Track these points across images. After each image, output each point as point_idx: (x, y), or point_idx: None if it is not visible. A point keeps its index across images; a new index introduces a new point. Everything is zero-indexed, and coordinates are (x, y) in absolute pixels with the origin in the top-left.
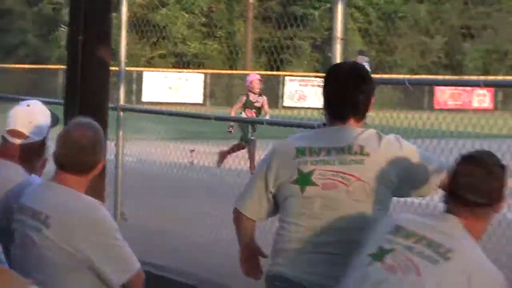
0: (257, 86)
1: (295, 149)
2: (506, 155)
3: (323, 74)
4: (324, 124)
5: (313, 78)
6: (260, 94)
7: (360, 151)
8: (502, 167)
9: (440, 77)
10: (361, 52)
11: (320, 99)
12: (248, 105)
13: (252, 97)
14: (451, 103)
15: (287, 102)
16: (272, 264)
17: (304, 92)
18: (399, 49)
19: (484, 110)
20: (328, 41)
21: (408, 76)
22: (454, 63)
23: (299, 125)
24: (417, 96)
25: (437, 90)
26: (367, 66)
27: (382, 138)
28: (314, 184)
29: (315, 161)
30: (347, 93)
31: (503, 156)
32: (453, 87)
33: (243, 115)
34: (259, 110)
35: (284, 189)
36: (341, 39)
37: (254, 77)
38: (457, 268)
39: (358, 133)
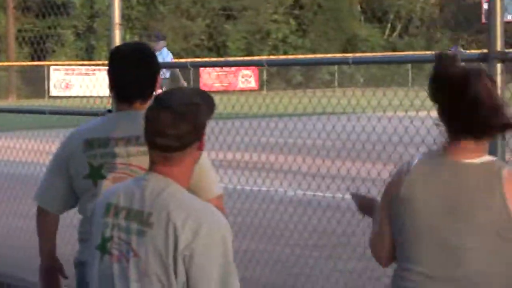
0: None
1: (83, 141)
2: (275, 131)
3: (88, 62)
4: (109, 111)
5: (78, 67)
6: (161, 87)
7: None
8: (194, 105)
9: (207, 59)
10: (162, 37)
11: (89, 87)
12: None
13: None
14: (217, 85)
15: (53, 91)
16: (78, 252)
17: (70, 81)
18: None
19: (250, 90)
20: (91, 29)
21: (190, 60)
22: (218, 45)
23: (85, 114)
24: (182, 78)
25: (203, 72)
26: (168, 51)
27: None
28: (104, 178)
29: (104, 154)
30: (131, 74)
31: (272, 133)
32: (218, 68)
33: None
34: None
35: (78, 183)
36: (120, 24)
37: None
38: (161, 227)
39: None
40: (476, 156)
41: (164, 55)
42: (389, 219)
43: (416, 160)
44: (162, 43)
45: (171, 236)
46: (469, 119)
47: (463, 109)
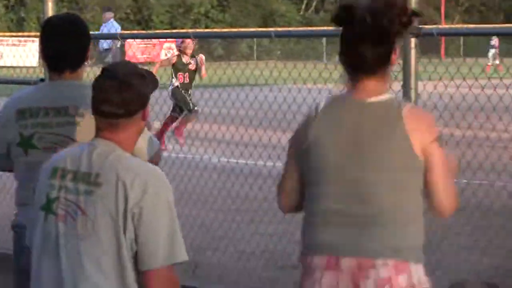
0: (189, 46)
1: (16, 111)
2: (200, 101)
3: (21, 33)
4: (42, 80)
5: (8, 38)
6: (193, 56)
7: (76, 111)
8: (139, 75)
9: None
10: (108, 8)
11: (22, 57)
12: (180, 68)
13: (185, 59)
14: (141, 57)
15: None
16: (16, 215)
17: (3, 51)
18: (89, 7)
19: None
20: (21, 2)
21: (120, 32)
22: (145, 18)
23: (18, 82)
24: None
25: (127, 44)
26: (115, 23)
27: None
28: (35, 147)
29: (35, 124)
30: (61, 44)
31: (197, 103)
32: (142, 40)
33: (174, 81)
34: (193, 73)
35: (12, 150)
36: None
37: None
38: (110, 187)
39: (74, 90)
40: (377, 95)
41: (111, 26)
42: (296, 163)
43: (322, 104)
44: (108, 14)
45: (121, 195)
46: (363, 46)
47: (356, 38)
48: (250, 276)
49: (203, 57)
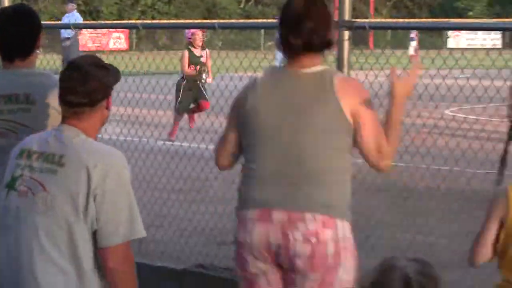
0: (199, 38)
1: None
2: (147, 87)
3: None
4: None
5: None
6: (203, 48)
7: (26, 99)
8: (102, 67)
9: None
10: (70, 0)
11: None
12: (192, 60)
13: (196, 52)
14: (91, 45)
15: None
16: None
17: None
18: None
19: (121, 51)
20: None
21: (72, 22)
22: (97, 9)
23: None
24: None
25: (81, 34)
26: (77, 14)
27: (51, 83)
28: None
29: None
30: (10, 32)
31: (144, 89)
32: (93, 30)
33: (181, 74)
34: (204, 65)
35: None
36: None
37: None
38: (73, 168)
39: (26, 78)
40: (311, 67)
41: (75, 17)
42: (235, 128)
43: (260, 76)
44: (71, 6)
45: (84, 176)
46: (297, 36)
47: (290, 29)
48: (191, 251)
49: (208, 52)
